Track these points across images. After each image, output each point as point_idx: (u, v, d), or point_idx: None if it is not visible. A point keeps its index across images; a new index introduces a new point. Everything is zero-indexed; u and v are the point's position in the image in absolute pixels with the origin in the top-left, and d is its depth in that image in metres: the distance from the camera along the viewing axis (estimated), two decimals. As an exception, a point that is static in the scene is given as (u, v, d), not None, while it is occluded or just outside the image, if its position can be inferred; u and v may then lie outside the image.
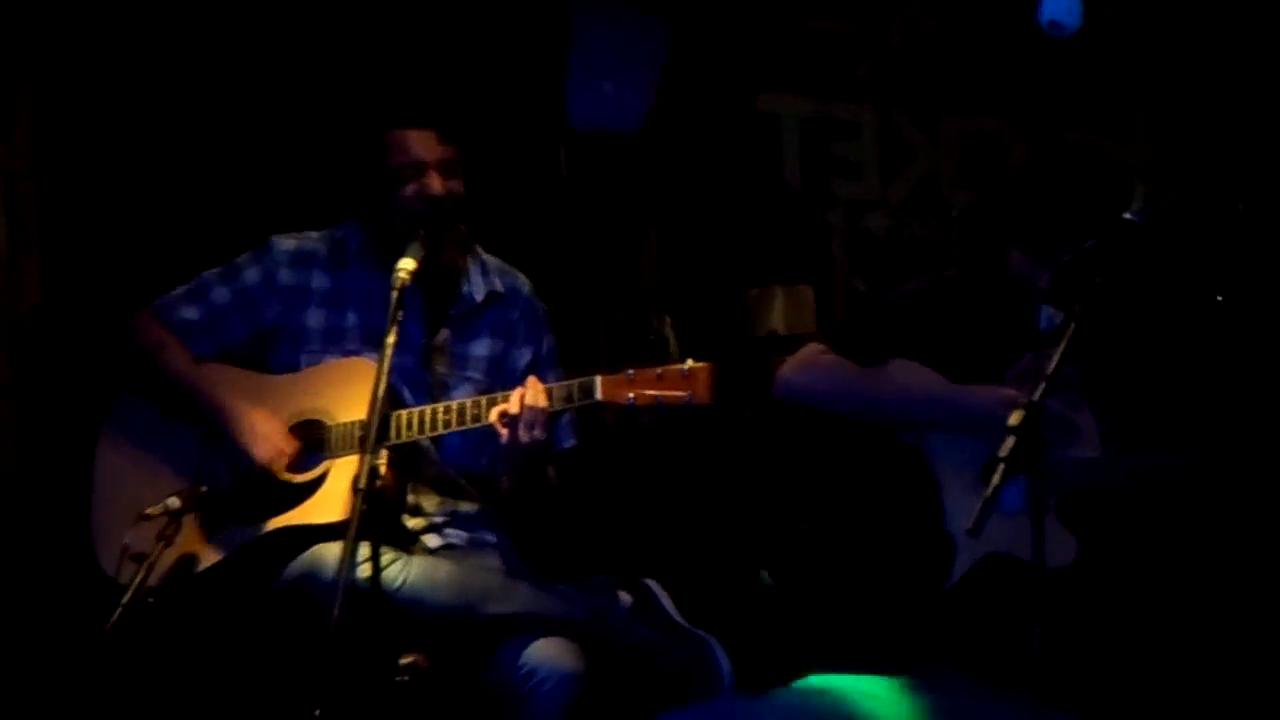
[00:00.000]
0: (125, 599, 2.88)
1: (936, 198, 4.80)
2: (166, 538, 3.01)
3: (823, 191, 4.74)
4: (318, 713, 2.58)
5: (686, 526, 4.25)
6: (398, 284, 3.03)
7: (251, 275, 3.44)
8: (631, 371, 3.09)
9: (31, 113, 3.94)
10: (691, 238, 4.58)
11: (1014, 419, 2.49)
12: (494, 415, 3.14)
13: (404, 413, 3.20)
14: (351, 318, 3.42)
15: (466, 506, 3.41)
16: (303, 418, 3.30)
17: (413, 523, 3.33)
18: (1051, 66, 4.52)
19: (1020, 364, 3.08)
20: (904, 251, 4.74)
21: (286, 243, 3.49)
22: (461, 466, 3.41)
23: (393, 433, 3.17)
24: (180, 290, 3.45)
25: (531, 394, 3.12)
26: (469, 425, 3.18)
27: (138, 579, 2.92)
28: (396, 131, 3.34)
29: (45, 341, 3.90)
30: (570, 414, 3.40)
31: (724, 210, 4.61)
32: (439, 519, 3.37)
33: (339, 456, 3.23)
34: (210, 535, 3.23)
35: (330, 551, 3.08)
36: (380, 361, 2.90)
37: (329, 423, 3.28)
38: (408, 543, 3.29)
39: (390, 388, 2.93)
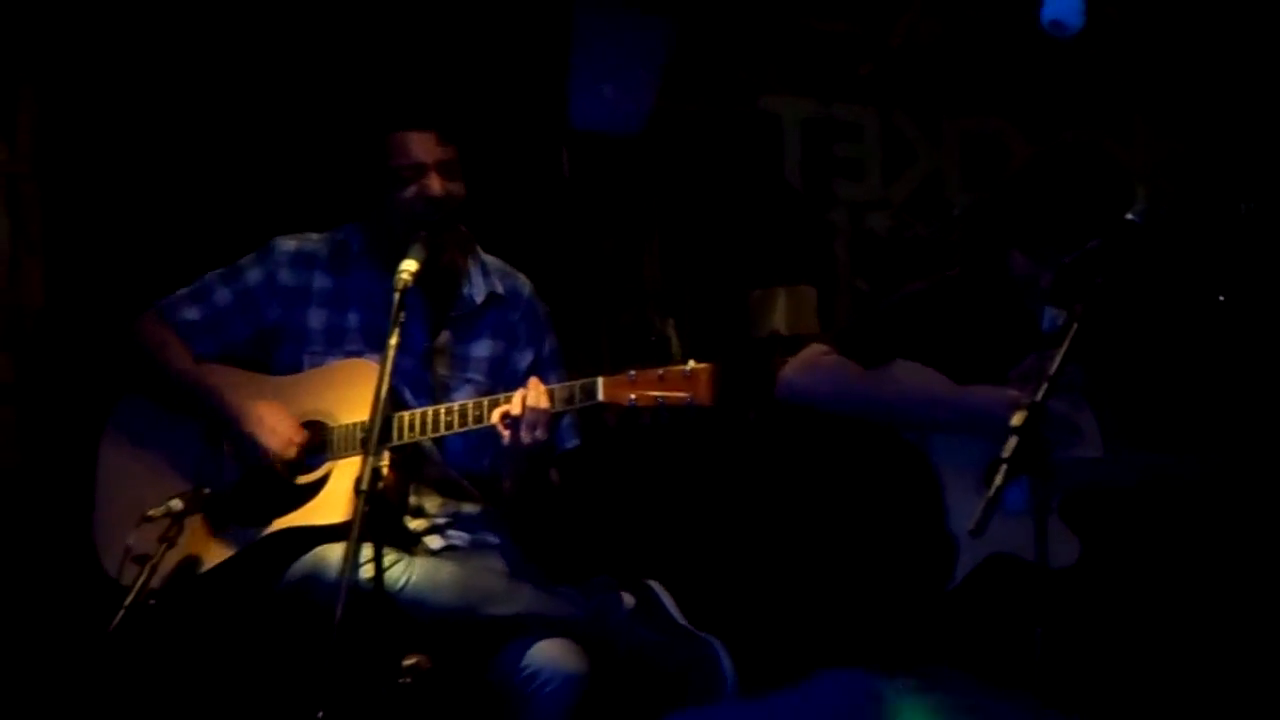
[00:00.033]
0: (128, 601, 2.88)
1: (939, 198, 4.80)
2: (169, 539, 3.01)
3: (825, 192, 4.74)
4: (321, 714, 2.58)
5: (689, 528, 4.25)
6: (400, 285, 3.04)
7: (253, 276, 3.45)
8: (633, 373, 3.09)
9: (34, 115, 3.94)
10: (694, 239, 4.58)
11: (1017, 419, 2.49)
12: (496, 416, 3.14)
13: (406, 414, 3.20)
14: (353, 318, 3.43)
15: (469, 508, 3.41)
16: (305, 419, 3.30)
17: (415, 524, 3.34)
18: (1053, 67, 4.52)
19: (1023, 365, 3.08)
20: (906, 252, 4.74)
21: (288, 243, 3.49)
22: (464, 468, 3.41)
23: (394, 434, 3.17)
24: (182, 292, 3.46)
25: (533, 395, 3.12)
26: (471, 426, 3.18)
27: (140, 581, 2.92)
28: (397, 133, 3.34)
29: (48, 343, 3.90)
30: (573, 415, 3.40)
31: (726, 211, 4.61)
32: (441, 520, 3.37)
33: (341, 458, 3.24)
34: (213, 537, 3.23)
35: (333, 553, 3.08)
36: (383, 363, 2.91)
37: (331, 424, 3.28)
38: (410, 544, 3.29)
39: (392, 389, 2.92)
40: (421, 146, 3.33)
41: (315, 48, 4.15)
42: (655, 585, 3.37)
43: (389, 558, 3.02)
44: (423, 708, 3.07)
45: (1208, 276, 3.46)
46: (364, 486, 2.72)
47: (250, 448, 3.24)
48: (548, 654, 3.12)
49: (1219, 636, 2.97)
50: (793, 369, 3.35)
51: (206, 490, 3.14)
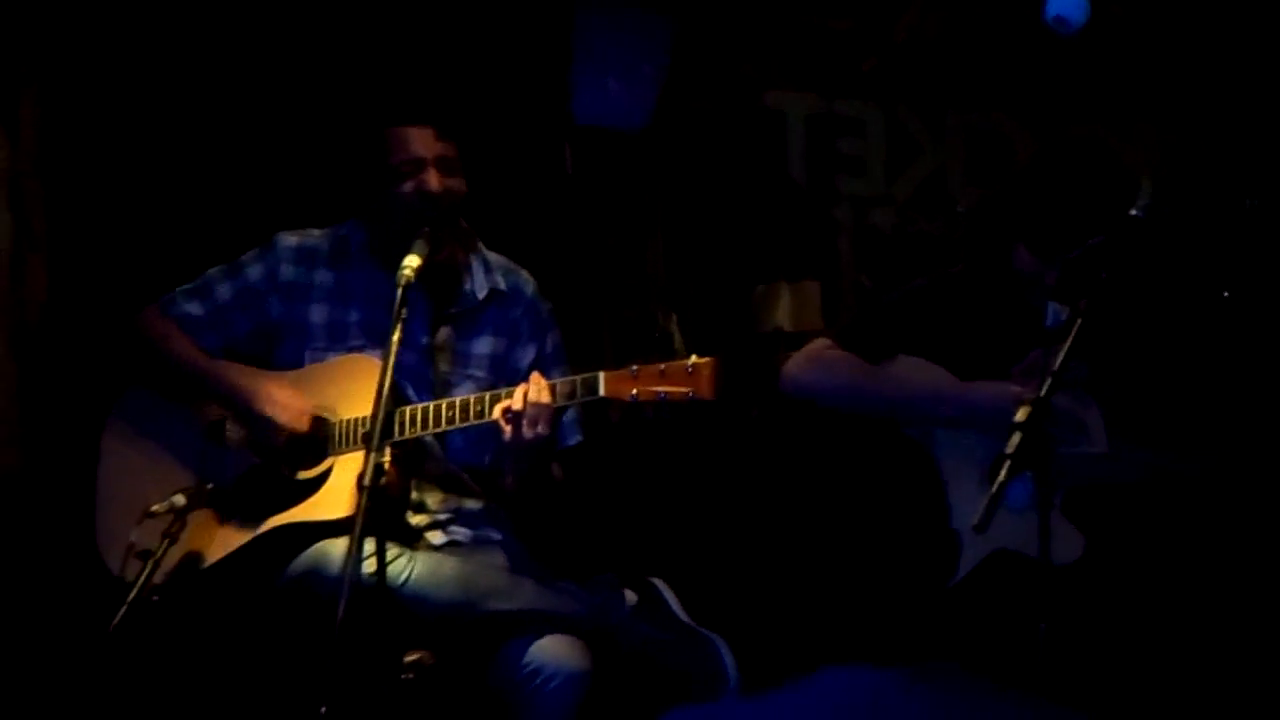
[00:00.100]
0: (130, 597, 2.89)
1: (943, 194, 4.79)
2: (172, 535, 3.02)
3: (828, 188, 4.73)
4: (323, 710, 2.58)
5: (692, 524, 4.24)
6: (402, 281, 3.04)
7: (255, 272, 3.46)
8: (635, 368, 3.09)
9: (37, 113, 3.94)
10: (697, 234, 4.57)
11: (1020, 415, 2.49)
12: (498, 411, 3.14)
13: (408, 409, 3.21)
14: (354, 314, 3.43)
15: (471, 503, 3.41)
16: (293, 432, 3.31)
17: (417, 519, 3.34)
18: (1057, 63, 4.51)
19: (1026, 360, 3.08)
20: (910, 248, 4.73)
21: (290, 239, 3.50)
22: (466, 463, 3.41)
23: (396, 429, 3.17)
24: (184, 287, 3.48)
25: (535, 390, 3.12)
26: (473, 422, 3.18)
27: (143, 576, 2.92)
28: (395, 129, 3.35)
29: (51, 340, 3.90)
30: (576, 411, 3.40)
31: (730, 207, 4.60)
32: (443, 516, 3.37)
33: (343, 453, 3.24)
34: (215, 532, 3.23)
35: (335, 548, 3.08)
36: (385, 358, 2.91)
37: (333, 419, 3.28)
38: (412, 539, 3.29)
39: (394, 384, 2.93)
40: (420, 142, 3.33)
41: (316, 44, 4.15)
42: (658, 582, 3.37)
43: (391, 553, 3.03)
44: (425, 704, 3.07)
45: (1212, 272, 3.46)
46: (366, 482, 2.72)
47: (263, 424, 3.26)
48: (551, 651, 3.12)
49: (1222, 633, 2.96)
50: (796, 364, 3.35)
51: (209, 485, 3.15)
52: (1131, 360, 3.10)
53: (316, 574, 3.09)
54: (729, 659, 3.20)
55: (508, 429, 3.13)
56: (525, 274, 3.61)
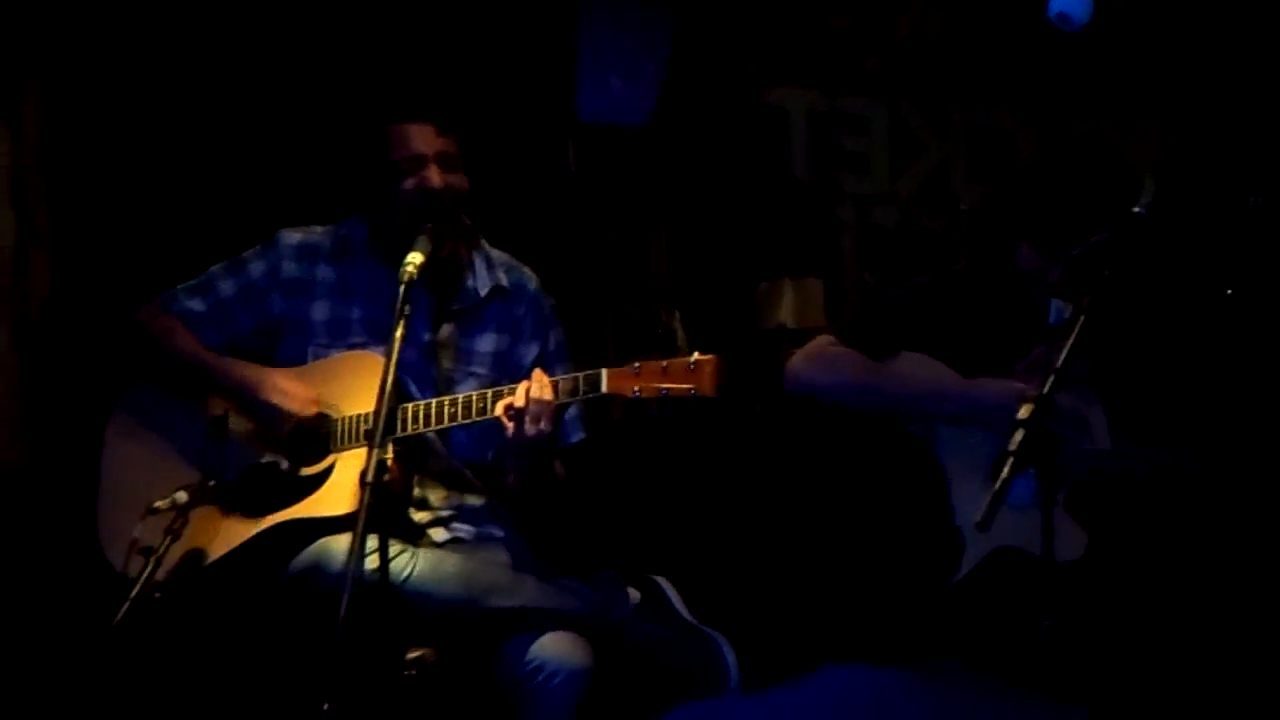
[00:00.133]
0: (133, 593, 2.89)
1: (946, 191, 4.79)
2: (174, 531, 3.02)
3: (831, 185, 4.73)
4: (325, 707, 2.58)
5: (694, 522, 4.24)
6: (405, 277, 3.04)
7: (256, 268, 3.47)
8: (637, 364, 3.09)
9: (40, 109, 3.94)
10: (700, 232, 4.57)
11: (1023, 412, 2.49)
12: (500, 408, 3.14)
13: (410, 406, 3.21)
14: (356, 311, 3.43)
15: (473, 500, 3.41)
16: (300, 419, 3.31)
17: (419, 516, 3.34)
18: (1060, 60, 4.50)
19: (1029, 358, 3.08)
20: (913, 245, 4.72)
21: (292, 236, 3.51)
22: (468, 460, 3.41)
23: (399, 426, 3.17)
24: (187, 284, 3.49)
25: (537, 387, 3.12)
26: (475, 419, 3.18)
27: (145, 573, 2.92)
28: (396, 126, 3.35)
29: (54, 336, 3.90)
30: (579, 408, 3.41)
31: (733, 204, 4.60)
32: (446, 512, 3.37)
33: (345, 450, 3.24)
34: (218, 529, 3.23)
35: (337, 544, 3.08)
36: (388, 355, 2.90)
37: (335, 415, 3.28)
38: (415, 536, 3.29)
39: (397, 381, 2.92)
40: (420, 138, 3.33)
41: (318, 40, 4.15)
42: (661, 580, 3.38)
43: (393, 550, 3.02)
44: (427, 701, 3.07)
45: (1215, 269, 3.45)
46: (369, 478, 2.71)
47: (270, 412, 3.26)
48: (553, 648, 3.12)
49: (1226, 630, 2.96)
50: (799, 361, 3.35)
51: (212, 482, 3.15)
52: (1135, 357, 3.09)
53: (319, 570, 3.09)
54: (731, 657, 3.20)
55: (510, 426, 3.13)
56: (528, 270, 3.60)
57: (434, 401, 3.21)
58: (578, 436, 3.50)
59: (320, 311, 3.44)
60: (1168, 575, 3.01)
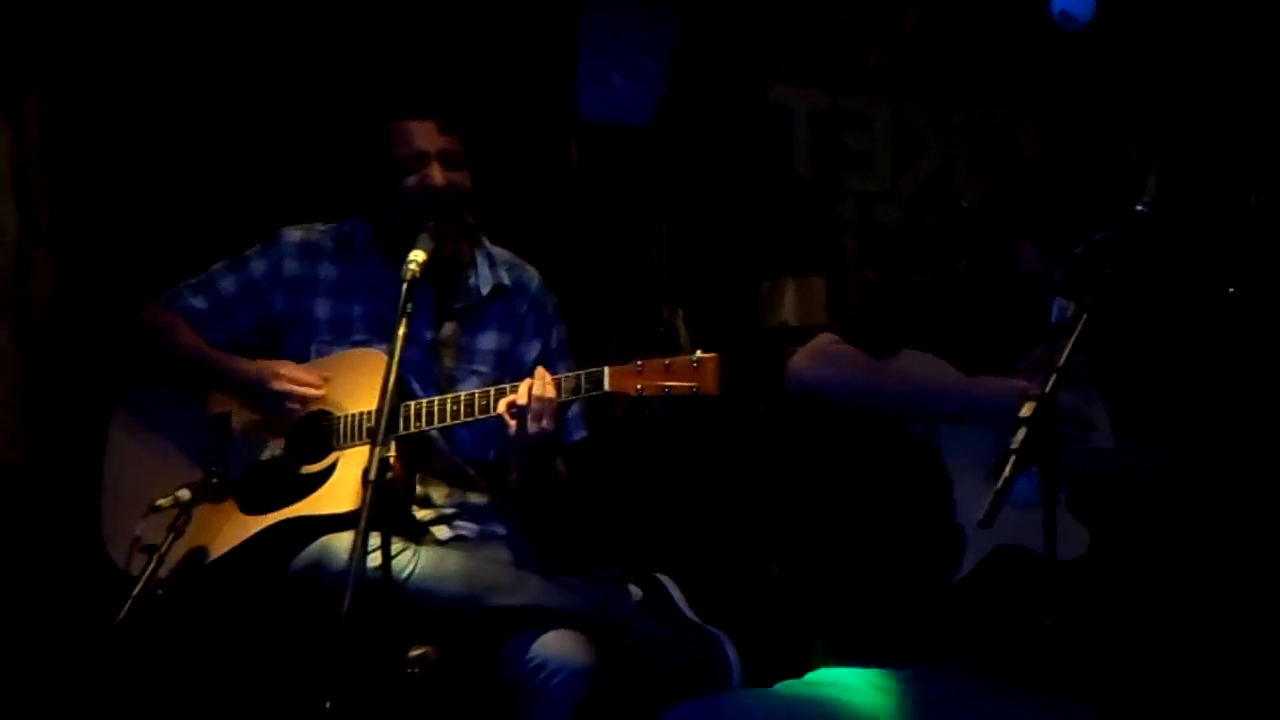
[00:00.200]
0: (135, 591, 2.89)
1: (948, 189, 4.79)
2: (177, 529, 3.03)
3: (834, 183, 4.73)
4: (328, 705, 2.58)
5: (697, 520, 4.24)
6: (408, 275, 3.04)
7: (258, 266, 3.47)
8: (639, 363, 3.09)
9: (42, 107, 3.94)
10: (702, 230, 4.57)
11: (1025, 411, 2.49)
12: (502, 406, 3.14)
13: (413, 404, 3.21)
14: (358, 309, 3.43)
15: (476, 498, 3.41)
16: (309, 407, 3.31)
17: (422, 514, 3.34)
18: (1063, 58, 4.50)
19: (1031, 356, 3.07)
20: (916, 243, 4.72)
21: (294, 234, 3.51)
22: (470, 458, 3.41)
23: (401, 424, 3.17)
24: (189, 282, 3.50)
25: (539, 385, 3.12)
26: (477, 417, 3.18)
27: (148, 570, 2.92)
28: (398, 123, 3.35)
29: (56, 334, 3.90)
30: (581, 405, 3.40)
31: (735, 202, 4.60)
32: (448, 510, 3.38)
33: (348, 448, 3.24)
34: (220, 526, 3.23)
35: (339, 542, 3.08)
36: (390, 353, 2.91)
37: (337, 413, 3.28)
38: (418, 534, 3.29)
39: (399, 379, 2.93)
40: (423, 136, 3.34)
41: (320, 39, 4.15)
42: (663, 578, 3.37)
43: (395, 548, 3.02)
44: (429, 699, 3.07)
45: (1217, 267, 3.45)
46: (371, 477, 2.72)
47: (278, 400, 3.26)
48: (555, 646, 3.12)
49: (1228, 628, 2.96)
50: (801, 359, 3.34)
51: (214, 479, 3.16)
52: (1137, 356, 3.09)
53: (321, 568, 3.09)
54: (733, 655, 3.20)
55: (512, 424, 3.13)
56: (530, 269, 3.60)
57: (436, 399, 3.22)
58: (580, 434, 3.50)
59: (322, 309, 3.44)
60: (1170, 573, 3.01)
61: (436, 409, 3.20)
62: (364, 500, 2.70)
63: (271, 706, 3.11)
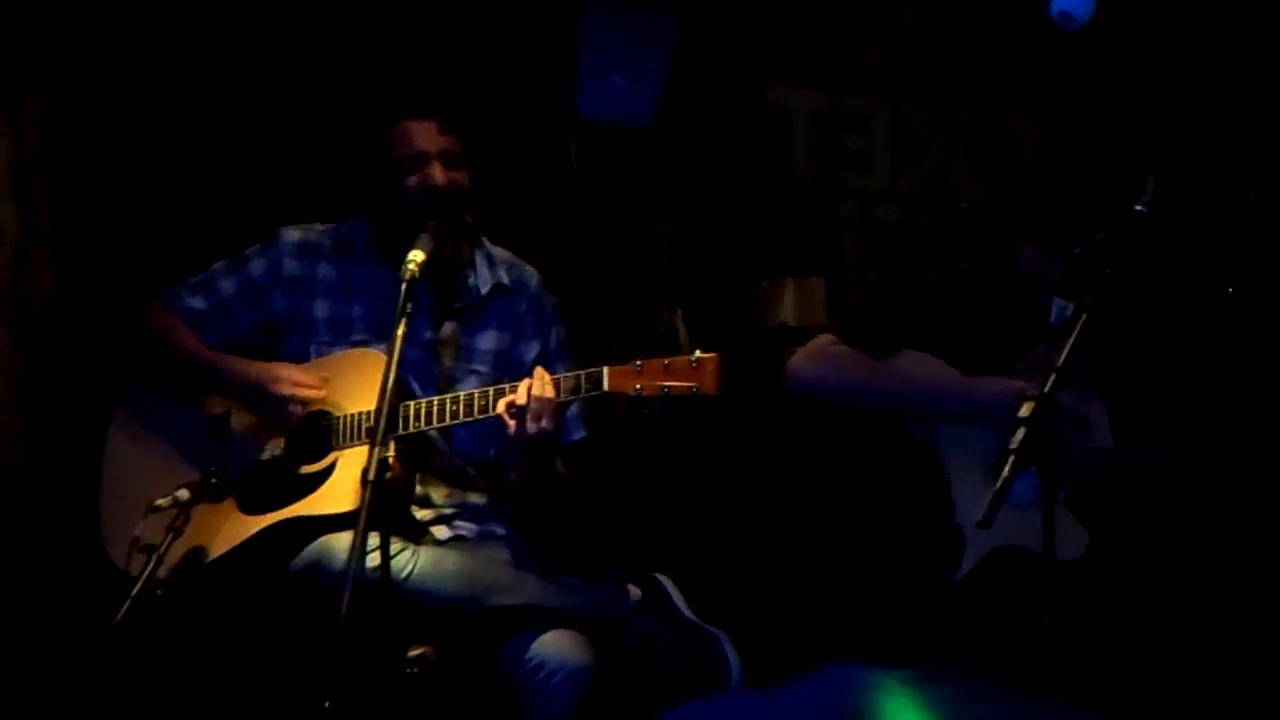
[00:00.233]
0: (134, 591, 2.89)
1: (947, 190, 4.79)
2: (176, 529, 3.03)
3: (833, 183, 4.73)
4: (327, 705, 2.58)
5: (696, 520, 4.24)
6: (407, 275, 3.04)
7: (257, 267, 3.47)
8: (639, 363, 3.09)
9: (41, 107, 3.94)
10: (702, 230, 4.57)
11: (1024, 411, 2.49)
12: (501, 406, 3.14)
13: (412, 404, 3.21)
14: (357, 309, 3.43)
15: (475, 498, 3.41)
16: (310, 408, 3.31)
17: (422, 514, 3.34)
18: (1062, 58, 4.50)
19: (1030, 356, 3.07)
20: (915, 244, 4.72)
21: (293, 234, 3.51)
22: (470, 458, 3.41)
23: (401, 424, 3.17)
24: (189, 282, 3.49)
25: (539, 385, 3.12)
26: (477, 417, 3.18)
27: (147, 571, 2.92)
28: (398, 123, 3.35)
29: (55, 334, 3.90)
30: (580, 405, 3.40)
31: (734, 202, 4.60)
32: (448, 510, 3.37)
33: (347, 447, 3.24)
34: (219, 527, 3.23)
35: (338, 542, 3.08)
36: (389, 353, 2.91)
37: (336, 413, 3.28)
38: (417, 534, 3.29)
39: (399, 379, 2.93)
40: (423, 136, 3.34)
41: (320, 39, 4.15)
42: (662, 578, 3.37)
43: (394, 548, 3.02)
44: (428, 699, 3.07)
45: (1216, 267, 3.45)
46: (370, 476, 2.72)
47: (279, 404, 3.26)
48: (554, 646, 3.12)
49: (1227, 628, 2.96)
50: (801, 360, 3.34)
51: (213, 479, 3.16)
52: (1136, 356, 3.09)
53: (320, 568, 3.09)
54: (732, 655, 3.20)
55: (511, 424, 3.13)
56: (529, 268, 3.60)
57: (436, 399, 3.22)
58: (579, 434, 3.50)
59: (322, 309, 3.44)
60: (1169, 573, 3.01)
61: (436, 409, 3.20)
62: (363, 500, 2.70)
63: (271, 706, 3.11)
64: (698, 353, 3.08)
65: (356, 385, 3.26)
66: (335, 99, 4.07)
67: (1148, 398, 3.05)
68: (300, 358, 3.41)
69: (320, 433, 3.28)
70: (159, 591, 2.95)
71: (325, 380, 3.31)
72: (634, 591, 3.33)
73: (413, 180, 3.32)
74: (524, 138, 4.33)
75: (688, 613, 3.31)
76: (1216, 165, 4.30)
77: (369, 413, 3.15)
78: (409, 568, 3.13)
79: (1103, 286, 2.68)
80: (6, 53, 3.82)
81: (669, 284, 4.52)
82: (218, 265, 3.50)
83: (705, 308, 4.53)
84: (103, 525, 3.37)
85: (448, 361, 3.41)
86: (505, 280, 3.51)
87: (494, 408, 3.15)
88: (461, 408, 3.18)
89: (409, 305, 2.98)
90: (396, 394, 2.94)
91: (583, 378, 3.14)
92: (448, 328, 3.44)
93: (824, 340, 3.35)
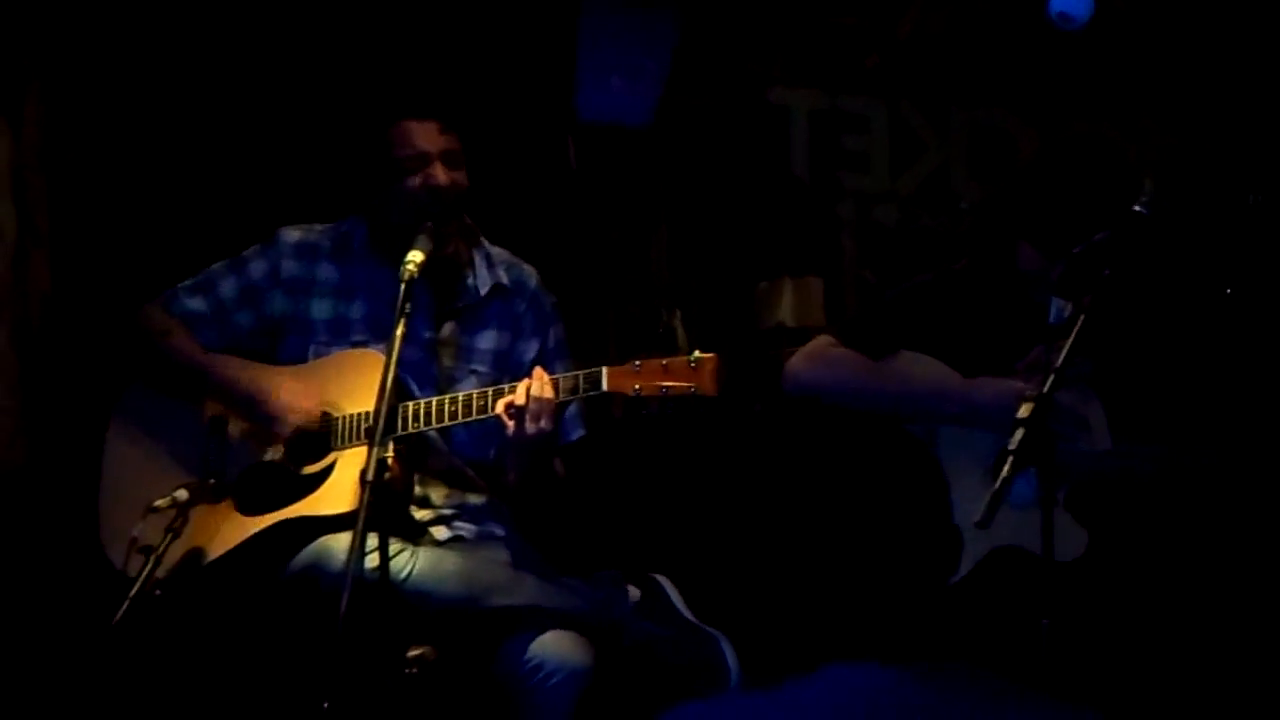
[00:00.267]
0: (133, 592, 2.89)
1: (946, 190, 4.79)
2: (174, 530, 3.02)
3: (832, 184, 4.73)
4: (326, 705, 2.58)
5: (695, 521, 4.25)
6: (406, 275, 3.04)
7: (257, 267, 3.47)
8: (638, 363, 3.09)
9: (41, 108, 3.94)
10: (701, 230, 4.57)
11: (1023, 411, 2.49)
12: (500, 406, 3.14)
13: (411, 404, 3.21)
14: (357, 309, 3.43)
15: (475, 498, 3.41)
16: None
17: (421, 514, 3.34)
18: (1061, 59, 4.51)
19: (1029, 357, 3.07)
20: (914, 244, 4.73)
21: (292, 234, 3.51)
22: (469, 458, 3.41)
23: (400, 424, 3.17)
24: (187, 283, 3.49)
25: (538, 385, 3.12)
26: (476, 417, 3.18)
27: (145, 571, 2.92)
28: (399, 124, 3.35)
29: (54, 335, 3.90)
30: (579, 406, 3.41)
31: (733, 203, 4.60)
32: (447, 511, 3.37)
33: (346, 448, 3.24)
34: (218, 527, 3.23)
35: (337, 543, 3.08)
36: (388, 353, 2.90)
37: (336, 414, 3.28)
38: (416, 535, 3.29)
39: (398, 379, 2.92)
40: (424, 136, 3.34)
41: (320, 39, 4.16)
42: (661, 579, 3.37)
43: (393, 548, 3.02)
44: (428, 699, 3.07)
45: (1215, 268, 3.45)
46: (369, 477, 2.71)
47: (269, 424, 3.25)
48: (553, 647, 3.12)
49: (1226, 629, 2.96)
50: (799, 361, 3.34)
51: (212, 480, 3.15)
52: (1135, 356, 3.09)
53: (319, 569, 3.09)
54: (731, 655, 3.20)
55: (510, 424, 3.13)
56: (528, 268, 3.60)
57: (435, 400, 3.21)
58: (578, 434, 3.50)
59: (321, 310, 3.44)
60: (1168, 574, 3.01)
61: (435, 409, 3.20)
62: (362, 501, 2.70)
63: (270, 707, 3.11)
64: (696, 353, 3.08)
65: (356, 386, 3.26)
66: (335, 99, 4.07)
67: (1147, 398, 3.05)
68: (299, 358, 3.41)
69: (319, 433, 3.28)
70: (158, 592, 2.95)
71: (320, 388, 3.31)
72: (633, 592, 3.33)
73: (414, 180, 3.32)
74: (524, 138, 4.33)
75: (687, 613, 3.31)
76: (1215, 166, 4.30)
77: (368, 413, 3.15)
78: (408, 568, 3.13)
79: (1101, 287, 2.68)
80: (6, 53, 3.82)
81: (668, 284, 4.52)
82: (217, 266, 3.50)
83: (704, 308, 4.53)
84: (102, 526, 3.36)
85: (447, 362, 3.42)
86: (504, 280, 3.51)
87: (493, 408, 3.15)
88: (460, 408, 3.18)
89: (408, 305, 2.98)
90: (395, 394, 2.94)
91: (581, 378, 3.14)
92: (447, 328, 3.44)
93: (822, 341, 3.35)
